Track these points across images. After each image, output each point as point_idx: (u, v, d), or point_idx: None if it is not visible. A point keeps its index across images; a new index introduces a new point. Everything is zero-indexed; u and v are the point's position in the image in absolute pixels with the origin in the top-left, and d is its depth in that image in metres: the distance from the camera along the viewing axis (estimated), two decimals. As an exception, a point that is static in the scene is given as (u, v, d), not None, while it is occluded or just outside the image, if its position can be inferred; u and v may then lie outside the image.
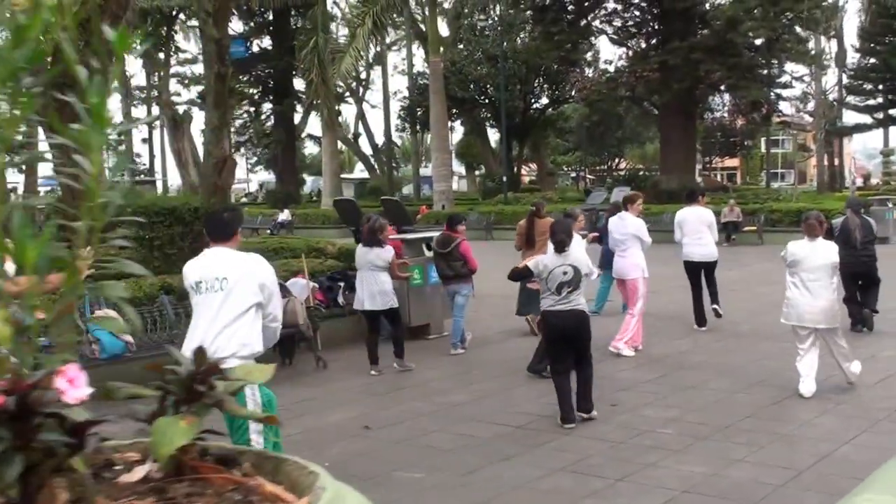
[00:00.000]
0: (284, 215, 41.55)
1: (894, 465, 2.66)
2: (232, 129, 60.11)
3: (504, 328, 13.26)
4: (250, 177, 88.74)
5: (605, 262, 13.25)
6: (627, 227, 11.56)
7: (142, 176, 66.71)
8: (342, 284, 12.56)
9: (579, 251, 8.55)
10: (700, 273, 12.80)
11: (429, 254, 12.50)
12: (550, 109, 57.38)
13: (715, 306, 12.86)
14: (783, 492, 6.02)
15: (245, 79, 51.75)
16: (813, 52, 42.68)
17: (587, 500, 6.01)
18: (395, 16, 42.90)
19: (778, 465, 6.56)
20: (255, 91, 54.00)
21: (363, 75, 63.67)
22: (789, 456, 6.81)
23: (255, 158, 74.42)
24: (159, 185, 61.03)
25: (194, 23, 40.52)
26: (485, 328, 13.37)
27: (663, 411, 8.30)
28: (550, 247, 8.35)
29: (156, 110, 60.61)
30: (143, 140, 72.54)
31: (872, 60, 52.61)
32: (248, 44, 52.01)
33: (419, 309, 12.45)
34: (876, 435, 7.32)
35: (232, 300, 5.51)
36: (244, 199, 73.81)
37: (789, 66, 45.94)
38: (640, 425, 7.83)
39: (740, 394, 8.89)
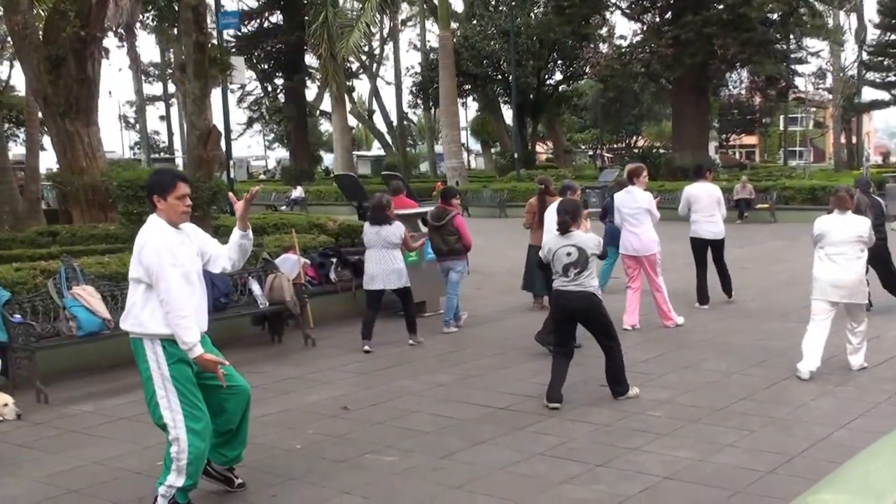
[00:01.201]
0: (298, 192, 41.37)
1: (858, 462, 2.45)
2: (245, 105, 60.05)
3: (506, 306, 13.03)
4: (268, 153, 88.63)
5: (610, 238, 12.94)
6: (637, 200, 11.15)
7: (161, 154, 66.75)
8: (334, 260, 12.29)
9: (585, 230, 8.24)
10: (706, 250, 12.50)
11: (424, 229, 12.22)
12: (564, 86, 56.71)
13: (727, 297, 12.65)
14: (770, 479, 5.70)
15: (256, 53, 51.34)
16: (830, 27, 41.84)
17: (564, 485, 5.71)
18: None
19: (768, 451, 6.24)
20: (265, 66, 53.54)
21: (377, 51, 63.27)
22: (781, 440, 6.48)
23: (273, 135, 74.26)
24: (179, 161, 60.85)
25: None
26: (485, 305, 13.14)
27: (656, 392, 7.99)
28: (554, 226, 8.08)
29: (171, 87, 60.41)
30: (161, 117, 72.46)
31: (892, 36, 51.88)
32: (261, 19, 51.64)
33: (415, 286, 12.08)
34: (874, 419, 6.97)
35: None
36: (262, 176, 73.74)
37: (806, 42, 45.23)
38: (629, 407, 7.53)
39: (738, 374, 8.57)
